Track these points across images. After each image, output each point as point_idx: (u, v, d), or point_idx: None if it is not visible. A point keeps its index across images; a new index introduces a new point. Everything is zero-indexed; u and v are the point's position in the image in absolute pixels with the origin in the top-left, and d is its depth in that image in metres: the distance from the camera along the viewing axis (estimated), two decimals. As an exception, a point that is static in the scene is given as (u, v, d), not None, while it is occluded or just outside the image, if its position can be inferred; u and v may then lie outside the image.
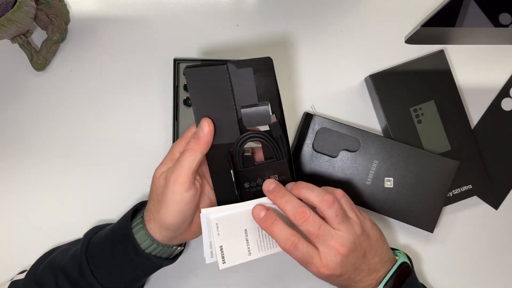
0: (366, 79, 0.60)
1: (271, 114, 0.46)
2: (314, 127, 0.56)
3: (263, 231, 0.48)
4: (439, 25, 0.53)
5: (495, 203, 0.61)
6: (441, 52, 0.58)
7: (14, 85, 0.58)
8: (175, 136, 0.57)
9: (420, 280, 0.54)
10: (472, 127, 0.61)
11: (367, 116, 0.60)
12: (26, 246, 0.56)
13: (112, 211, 0.57)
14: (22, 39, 0.55)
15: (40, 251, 0.55)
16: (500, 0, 0.52)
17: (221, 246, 0.47)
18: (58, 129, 0.58)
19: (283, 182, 0.49)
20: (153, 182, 0.47)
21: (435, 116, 0.58)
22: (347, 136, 0.56)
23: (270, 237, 0.48)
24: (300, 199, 0.47)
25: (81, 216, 0.57)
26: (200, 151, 0.45)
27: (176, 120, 0.57)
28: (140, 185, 0.58)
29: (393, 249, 0.53)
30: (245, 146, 0.48)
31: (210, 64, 0.46)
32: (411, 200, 0.56)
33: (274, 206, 0.48)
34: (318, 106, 0.60)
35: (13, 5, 0.50)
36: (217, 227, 0.47)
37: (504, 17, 0.52)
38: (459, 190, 0.58)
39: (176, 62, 0.57)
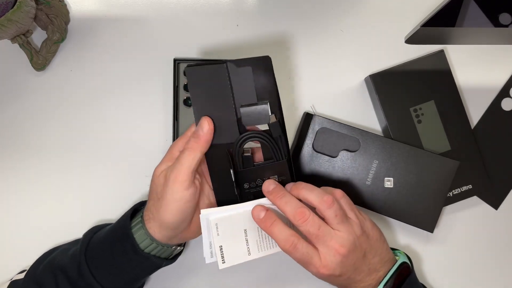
0: (366, 79, 0.60)
1: (270, 113, 0.46)
2: (314, 127, 0.56)
3: (263, 231, 0.48)
4: (439, 25, 0.53)
5: (495, 203, 0.61)
6: (441, 52, 0.58)
7: (14, 85, 0.58)
8: (175, 136, 0.57)
9: (420, 280, 0.54)
10: (472, 127, 0.61)
11: (367, 116, 0.60)
12: (26, 246, 0.56)
13: (112, 211, 0.57)
14: (22, 39, 0.55)
15: (40, 251, 0.55)
16: (500, 0, 0.52)
17: (221, 246, 0.47)
18: (58, 129, 0.58)
19: (283, 183, 0.49)
20: (152, 181, 0.48)
21: (435, 116, 0.58)
22: (347, 136, 0.56)
23: (269, 237, 0.48)
24: (300, 200, 0.47)
25: (81, 216, 0.57)
26: (200, 149, 0.45)
27: (176, 120, 0.57)
28: (140, 185, 0.58)
29: (393, 249, 0.53)
30: (244, 146, 0.48)
31: (210, 64, 0.46)
32: (411, 200, 0.56)
33: (273, 206, 0.48)
34: (318, 106, 0.60)
35: (13, 5, 0.50)
36: (217, 228, 0.47)
37: (504, 17, 0.52)
38: (459, 190, 0.58)
39: (176, 62, 0.57)
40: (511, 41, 0.59)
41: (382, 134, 0.60)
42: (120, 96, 0.59)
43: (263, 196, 0.48)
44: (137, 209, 0.51)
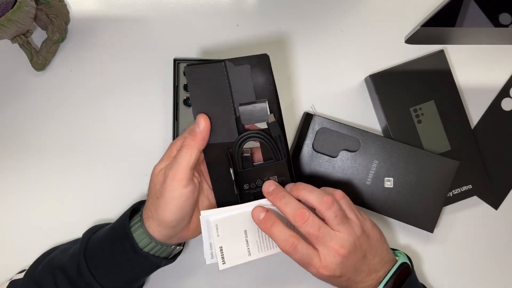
0: (366, 79, 0.60)
1: (268, 111, 0.46)
2: (314, 127, 0.56)
3: (263, 232, 0.48)
4: (439, 25, 0.53)
5: (495, 203, 0.61)
6: (441, 52, 0.58)
7: (14, 85, 0.58)
8: (175, 136, 0.57)
9: (420, 280, 0.54)
10: (472, 127, 0.60)
11: (367, 116, 0.60)
12: (26, 246, 0.56)
13: (112, 211, 0.57)
14: (22, 39, 0.55)
15: (40, 251, 0.55)
16: (500, 0, 0.52)
17: (221, 247, 0.47)
18: (58, 129, 0.58)
19: (283, 183, 0.49)
20: (151, 179, 0.48)
21: (435, 116, 0.58)
22: (347, 136, 0.56)
23: (270, 238, 0.48)
24: (300, 201, 0.47)
25: (81, 216, 0.57)
26: (197, 147, 0.45)
27: (176, 120, 0.57)
28: (140, 185, 0.58)
29: (393, 249, 0.53)
30: (244, 146, 0.48)
31: (209, 63, 0.46)
32: (411, 200, 0.56)
33: (274, 207, 0.48)
34: (318, 106, 0.60)
35: (13, 5, 0.50)
36: (217, 228, 0.47)
37: (504, 17, 0.52)
38: (459, 190, 0.58)
39: (176, 62, 0.57)
40: (511, 41, 0.59)
41: (382, 134, 0.60)
42: (120, 96, 0.59)
43: (263, 197, 0.48)
44: (137, 209, 0.51)
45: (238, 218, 0.48)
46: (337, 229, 0.46)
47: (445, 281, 0.60)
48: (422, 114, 0.58)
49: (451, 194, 0.58)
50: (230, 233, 0.48)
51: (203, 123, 0.46)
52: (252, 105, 0.46)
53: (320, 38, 0.60)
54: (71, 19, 0.59)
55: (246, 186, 0.49)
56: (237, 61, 0.46)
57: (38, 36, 0.58)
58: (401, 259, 0.50)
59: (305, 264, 0.46)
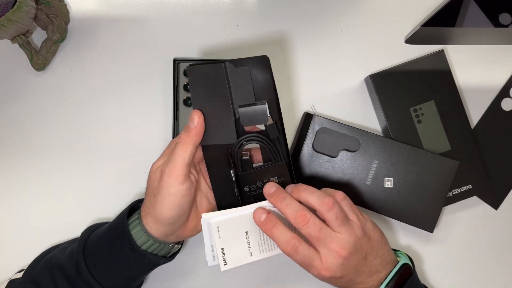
0: (366, 79, 0.60)
1: (268, 113, 0.46)
2: (314, 127, 0.56)
3: (264, 234, 0.48)
4: (439, 25, 0.53)
5: (495, 203, 0.61)
6: (441, 52, 0.58)
7: (14, 85, 0.58)
8: (175, 136, 0.57)
9: (422, 281, 0.54)
10: (472, 127, 0.60)
11: (367, 116, 0.60)
12: (25, 246, 0.56)
13: (112, 211, 0.57)
14: (22, 39, 0.55)
15: (39, 251, 0.55)
16: (500, 0, 0.52)
17: (222, 248, 0.47)
18: (58, 129, 0.58)
19: (283, 184, 0.49)
20: (149, 177, 0.48)
21: (435, 116, 0.58)
22: (347, 136, 0.56)
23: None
24: (301, 202, 0.47)
25: (81, 216, 0.57)
26: (192, 143, 0.45)
27: (176, 120, 0.57)
28: (140, 184, 0.58)
29: (395, 250, 0.53)
30: (243, 148, 0.48)
31: (210, 63, 0.46)
32: (411, 200, 0.56)
33: (275, 209, 0.48)
34: (318, 106, 0.60)
35: (13, 5, 0.50)
36: (218, 230, 0.47)
37: (504, 17, 0.52)
38: (459, 190, 0.58)
39: (176, 62, 0.57)
40: (511, 41, 0.59)
41: (382, 134, 0.60)
42: (120, 96, 0.59)
43: (263, 199, 0.48)
44: (136, 207, 0.51)
45: (239, 220, 0.48)
46: (338, 231, 0.46)
47: (445, 281, 0.60)
48: (422, 114, 0.58)
49: (451, 194, 0.58)
50: (232, 235, 0.48)
51: (196, 119, 0.46)
52: (252, 107, 0.46)
53: (320, 38, 0.60)
54: (71, 19, 0.59)
55: (246, 188, 0.49)
56: (237, 62, 0.46)
57: (38, 36, 0.58)
58: (403, 260, 0.50)
59: (306, 266, 0.46)
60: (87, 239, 0.49)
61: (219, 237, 0.47)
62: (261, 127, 0.48)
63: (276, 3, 0.60)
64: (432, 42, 0.59)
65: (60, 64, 0.59)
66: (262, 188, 0.49)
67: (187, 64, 0.57)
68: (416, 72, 0.58)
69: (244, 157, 0.49)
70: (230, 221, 0.48)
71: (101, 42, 0.59)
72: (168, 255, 0.51)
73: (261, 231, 0.48)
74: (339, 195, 0.48)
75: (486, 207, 0.61)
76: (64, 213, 0.58)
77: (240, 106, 0.46)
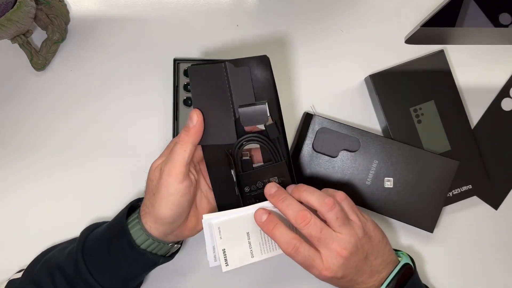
0: (366, 79, 0.60)
1: (268, 113, 0.46)
2: (314, 127, 0.56)
3: (265, 234, 0.48)
4: (439, 25, 0.53)
5: (495, 203, 0.61)
6: (441, 52, 0.58)
7: (14, 85, 0.58)
8: (175, 136, 0.57)
9: (423, 281, 0.54)
10: (472, 127, 0.60)
11: (367, 116, 0.60)
12: (25, 246, 0.56)
13: (112, 211, 0.57)
14: (22, 39, 0.55)
15: (39, 250, 0.55)
16: (500, 0, 0.52)
17: (224, 249, 0.47)
18: (58, 129, 0.58)
19: (283, 184, 0.49)
20: (148, 176, 0.48)
21: (435, 116, 0.58)
22: (347, 136, 0.56)
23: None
24: (301, 202, 0.47)
25: (81, 216, 0.57)
26: (191, 141, 0.46)
27: (176, 120, 0.57)
28: (139, 184, 0.58)
29: (396, 250, 0.53)
30: (243, 148, 0.48)
31: (210, 63, 0.46)
32: (411, 200, 0.56)
33: (275, 209, 0.48)
34: (318, 106, 0.60)
35: (13, 5, 0.50)
36: (220, 231, 0.47)
37: (504, 17, 0.52)
38: (459, 190, 0.58)
39: (176, 62, 0.57)
40: (511, 41, 0.59)
41: (382, 134, 0.60)
42: (120, 96, 0.59)
43: (264, 199, 0.48)
44: (135, 206, 0.51)
45: (240, 221, 0.48)
46: (338, 231, 0.46)
47: (445, 281, 0.60)
48: (422, 114, 0.58)
49: (451, 194, 0.58)
50: (233, 235, 0.48)
51: (195, 118, 0.46)
52: (252, 106, 0.46)
53: (320, 38, 0.60)
54: (71, 19, 0.59)
55: (247, 189, 0.49)
56: (237, 62, 0.46)
57: (38, 36, 0.58)
58: (404, 260, 0.50)
59: (307, 266, 0.46)
60: (86, 238, 0.49)
61: (221, 237, 0.47)
62: (261, 127, 0.48)
63: (276, 3, 0.60)
64: (432, 42, 0.59)
65: (60, 64, 0.59)
66: (262, 188, 0.49)
67: (187, 64, 0.57)
68: (416, 72, 0.58)
69: (244, 157, 0.49)
70: (231, 222, 0.48)
71: (101, 42, 0.59)
72: (167, 255, 0.51)
73: (262, 231, 0.48)
74: (340, 195, 0.48)
75: (486, 207, 0.61)
76: (64, 213, 0.58)
77: (240, 106, 0.46)
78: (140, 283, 0.55)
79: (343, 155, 0.56)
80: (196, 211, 0.50)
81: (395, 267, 0.49)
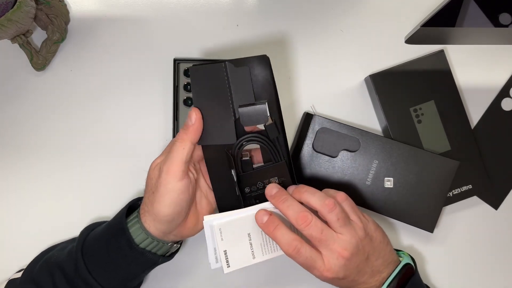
0: (366, 79, 0.60)
1: (268, 113, 0.46)
2: (314, 127, 0.56)
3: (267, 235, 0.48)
4: (439, 25, 0.53)
5: (495, 203, 0.61)
6: (441, 52, 0.58)
7: (14, 85, 0.58)
8: (175, 136, 0.57)
9: (424, 281, 0.54)
10: (472, 127, 0.60)
11: (367, 116, 0.60)
12: (25, 245, 0.56)
13: (112, 210, 0.57)
14: (22, 39, 0.55)
15: (39, 250, 0.55)
16: (500, 0, 0.52)
17: (225, 250, 0.47)
18: (58, 129, 0.58)
19: (284, 184, 0.49)
20: (148, 174, 0.48)
21: (435, 116, 0.58)
22: (347, 136, 0.56)
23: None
24: (302, 203, 0.47)
25: (81, 215, 0.57)
26: (190, 140, 0.46)
27: (176, 120, 0.57)
28: (139, 184, 0.58)
29: (397, 250, 0.53)
30: (244, 148, 0.48)
31: (210, 64, 0.46)
32: (411, 200, 0.56)
33: (276, 210, 0.48)
34: (318, 106, 0.60)
35: (13, 5, 0.50)
36: (221, 232, 0.47)
37: (504, 17, 0.52)
38: (459, 190, 0.58)
39: (176, 62, 0.57)
40: (511, 41, 0.59)
41: (382, 134, 0.60)
42: (120, 96, 0.59)
43: (265, 199, 0.48)
44: (135, 205, 0.51)
45: (241, 222, 0.48)
46: (339, 232, 0.46)
47: (445, 281, 0.60)
48: (422, 114, 0.58)
49: (451, 194, 0.58)
50: (234, 237, 0.48)
51: (194, 116, 0.46)
52: (252, 106, 0.46)
53: (320, 38, 0.60)
54: (71, 19, 0.59)
55: (247, 189, 0.49)
56: (238, 62, 0.46)
57: (38, 36, 0.58)
58: (405, 260, 0.50)
59: (308, 267, 0.46)
60: (86, 238, 0.49)
61: (222, 239, 0.47)
62: (261, 127, 0.48)
63: (276, 3, 0.60)
64: (432, 42, 0.59)
65: (60, 64, 0.59)
66: (262, 189, 0.49)
67: (187, 64, 0.57)
68: (416, 72, 0.58)
69: (244, 158, 0.49)
70: (232, 223, 0.48)
71: (101, 42, 0.59)
72: (166, 254, 0.51)
73: (263, 232, 0.48)
74: (341, 196, 0.48)
75: (486, 207, 0.61)
76: (64, 213, 0.58)
77: (240, 106, 0.46)
78: (140, 283, 0.55)
79: (343, 155, 0.56)
80: (195, 211, 0.50)
81: (396, 267, 0.49)
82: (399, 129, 0.57)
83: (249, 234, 0.48)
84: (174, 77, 0.57)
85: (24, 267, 0.53)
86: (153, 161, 0.48)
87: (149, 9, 0.59)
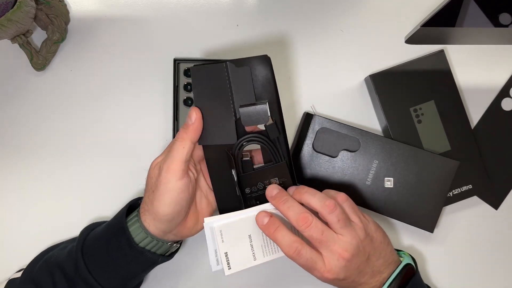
0: (366, 79, 0.60)
1: (269, 113, 0.46)
2: (314, 127, 0.56)
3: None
4: (439, 25, 0.53)
5: (495, 203, 0.61)
6: (441, 52, 0.58)
7: (14, 85, 0.58)
8: (175, 136, 0.57)
9: (424, 280, 0.54)
10: (472, 127, 0.60)
11: (367, 116, 0.60)
12: (25, 245, 0.56)
13: (112, 211, 0.57)
14: (22, 39, 0.55)
15: (39, 250, 0.55)
16: (500, 0, 0.52)
17: (226, 252, 0.47)
18: (58, 129, 0.58)
19: (284, 185, 0.49)
20: (148, 173, 0.48)
21: (435, 116, 0.58)
22: (347, 136, 0.56)
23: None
24: (303, 204, 0.47)
25: (81, 215, 0.57)
26: (189, 139, 0.46)
27: (176, 120, 0.57)
28: (140, 184, 0.58)
29: (398, 250, 0.53)
30: (244, 149, 0.48)
31: (211, 64, 0.46)
32: (411, 200, 0.56)
33: (277, 211, 0.48)
34: (318, 106, 0.60)
35: (13, 5, 0.50)
36: (221, 234, 0.47)
37: (504, 17, 0.52)
38: (459, 190, 0.58)
39: (176, 62, 0.57)
40: (511, 41, 0.59)
41: (382, 134, 0.60)
42: (120, 96, 0.59)
43: (265, 199, 0.48)
44: (135, 205, 0.51)
45: (242, 223, 0.48)
46: (340, 233, 0.46)
47: (445, 281, 0.60)
48: (422, 114, 0.58)
49: (451, 194, 0.58)
50: (235, 238, 0.48)
51: (194, 115, 0.46)
52: (253, 106, 0.46)
53: (320, 38, 0.60)
54: (71, 19, 0.59)
55: (247, 190, 0.49)
56: (238, 62, 0.46)
57: (38, 36, 0.58)
58: (405, 260, 0.50)
59: (309, 268, 0.46)
60: (86, 237, 0.49)
61: (222, 241, 0.47)
62: (261, 127, 0.48)
63: (276, 3, 0.60)
64: (432, 42, 0.59)
65: (60, 64, 0.59)
66: (263, 190, 0.49)
67: (187, 64, 0.57)
68: (416, 72, 0.58)
69: (244, 158, 0.49)
70: (232, 225, 0.48)
71: (101, 42, 0.59)
72: (166, 254, 0.51)
73: (264, 233, 0.48)
74: (341, 196, 0.48)
75: (486, 207, 0.61)
76: (64, 213, 0.58)
77: (241, 106, 0.46)
78: (140, 283, 0.55)
79: (343, 155, 0.56)
80: (195, 211, 0.50)
81: (397, 268, 0.49)
82: (399, 129, 0.57)
83: (249, 235, 0.48)
84: (174, 77, 0.57)
85: (24, 267, 0.53)
86: (154, 160, 0.48)
87: (149, 9, 0.59)
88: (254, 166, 0.50)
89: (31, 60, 0.57)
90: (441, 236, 0.60)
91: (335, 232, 0.46)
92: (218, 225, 0.47)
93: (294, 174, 0.49)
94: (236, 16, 0.60)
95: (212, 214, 0.51)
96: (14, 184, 0.58)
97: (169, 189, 0.45)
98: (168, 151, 0.47)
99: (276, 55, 0.58)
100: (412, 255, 0.53)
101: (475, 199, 0.61)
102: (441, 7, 0.52)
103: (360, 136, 0.56)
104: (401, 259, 0.51)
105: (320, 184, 0.56)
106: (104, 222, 0.53)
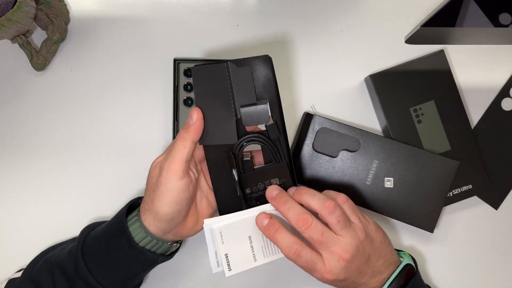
0: (366, 79, 0.60)
1: (270, 113, 0.46)
2: (314, 127, 0.56)
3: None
4: (439, 25, 0.53)
5: (495, 203, 0.61)
6: (441, 52, 0.58)
7: (14, 85, 0.58)
8: (175, 137, 0.57)
9: (425, 280, 0.54)
10: (472, 127, 0.61)
11: (367, 116, 0.60)
12: (25, 245, 0.56)
13: (112, 210, 0.57)
14: (22, 39, 0.55)
15: (39, 250, 0.55)
16: (500, 0, 0.52)
17: (226, 254, 0.47)
18: (58, 129, 0.58)
19: (284, 185, 0.49)
20: (149, 173, 0.48)
21: (435, 116, 0.58)
22: (347, 136, 0.56)
23: None
24: (303, 205, 0.47)
25: (81, 215, 0.57)
26: (190, 139, 0.46)
27: (176, 120, 0.57)
28: (140, 184, 0.58)
29: (398, 250, 0.53)
30: (244, 149, 0.48)
31: (212, 64, 0.46)
32: (411, 200, 0.56)
33: (277, 212, 0.48)
34: (318, 106, 0.60)
35: (13, 5, 0.50)
36: (221, 236, 0.47)
37: (504, 17, 0.52)
38: (459, 190, 0.58)
39: (176, 62, 0.57)
40: (511, 41, 0.59)
41: (382, 134, 0.60)
42: (120, 96, 0.59)
43: (265, 200, 0.48)
44: (135, 204, 0.51)
45: (242, 224, 0.48)
46: (340, 234, 0.46)
47: (446, 280, 0.60)
48: (422, 114, 0.58)
49: (451, 194, 0.58)
50: (235, 239, 0.48)
51: (195, 115, 0.46)
52: (253, 106, 0.46)
53: (320, 38, 0.60)
54: (71, 19, 0.59)
55: (248, 191, 0.49)
56: (239, 62, 0.46)
57: (38, 36, 0.58)
58: (405, 261, 0.50)
59: (309, 270, 0.46)
60: (86, 237, 0.50)
61: (223, 242, 0.47)
62: (262, 127, 0.48)
63: (276, 3, 0.60)
64: (432, 42, 0.59)
65: (60, 64, 0.59)
66: (263, 190, 0.49)
67: (187, 64, 0.57)
68: (416, 72, 0.58)
69: (245, 158, 0.49)
70: (232, 226, 0.48)
71: (101, 42, 0.59)
72: (166, 254, 0.51)
73: (264, 234, 0.48)
74: (341, 197, 0.48)
75: (486, 207, 0.61)
76: (64, 212, 0.58)
77: (242, 106, 0.46)
78: (140, 283, 0.55)
79: (343, 155, 0.56)
80: (195, 211, 0.50)
81: (397, 268, 0.49)
82: (399, 129, 0.57)
83: (250, 236, 0.48)
84: (174, 77, 0.57)
85: (24, 267, 0.53)
86: (154, 160, 0.48)
87: (149, 9, 0.59)
88: (255, 167, 0.50)
89: (31, 60, 0.57)
90: (441, 236, 0.60)
91: (335, 233, 0.46)
92: (218, 226, 0.47)
93: (295, 175, 0.49)
94: (236, 16, 0.60)
95: (212, 214, 0.51)
96: (14, 184, 0.58)
97: (170, 188, 0.45)
98: (169, 151, 0.47)
99: (276, 55, 0.58)
100: (412, 255, 0.53)
101: (475, 199, 0.61)
102: (441, 7, 0.52)
103: (360, 136, 0.56)
104: (401, 259, 0.51)
105: (320, 184, 0.56)
106: (104, 222, 0.53)
